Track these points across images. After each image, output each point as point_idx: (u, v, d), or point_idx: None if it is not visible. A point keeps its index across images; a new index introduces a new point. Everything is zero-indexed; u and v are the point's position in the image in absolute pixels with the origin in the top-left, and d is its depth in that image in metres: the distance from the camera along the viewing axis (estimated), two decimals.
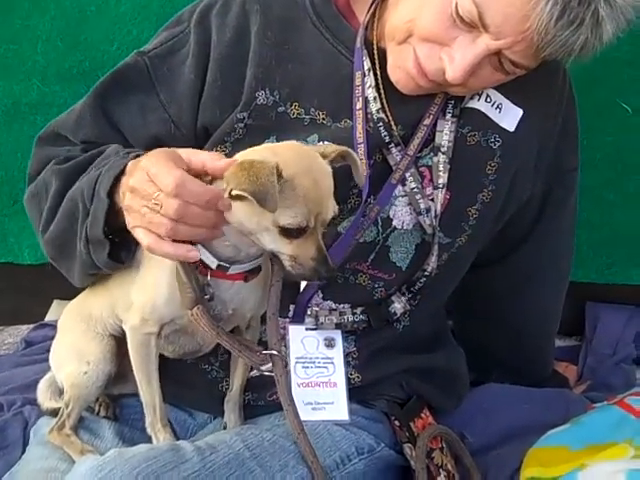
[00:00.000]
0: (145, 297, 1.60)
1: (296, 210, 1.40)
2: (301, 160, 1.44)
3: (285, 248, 1.43)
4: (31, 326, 2.77)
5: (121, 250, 1.62)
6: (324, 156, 1.48)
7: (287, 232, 1.41)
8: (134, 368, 1.64)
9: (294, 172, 1.40)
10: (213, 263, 1.52)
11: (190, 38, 1.80)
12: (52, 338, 2.54)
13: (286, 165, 1.40)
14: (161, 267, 1.57)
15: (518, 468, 1.77)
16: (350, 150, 1.51)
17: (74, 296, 2.52)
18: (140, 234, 1.46)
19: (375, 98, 1.69)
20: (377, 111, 1.69)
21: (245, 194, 1.37)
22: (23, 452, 1.96)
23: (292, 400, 1.58)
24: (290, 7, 1.77)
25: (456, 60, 1.58)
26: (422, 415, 1.83)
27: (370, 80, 1.70)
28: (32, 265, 2.65)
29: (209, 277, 1.54)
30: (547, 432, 1.80)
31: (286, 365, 1.59)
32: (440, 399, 1.91)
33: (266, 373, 1.57)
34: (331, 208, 1.44)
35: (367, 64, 1.70)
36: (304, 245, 1.42)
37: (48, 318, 2.73)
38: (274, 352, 1.56)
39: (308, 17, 1.75)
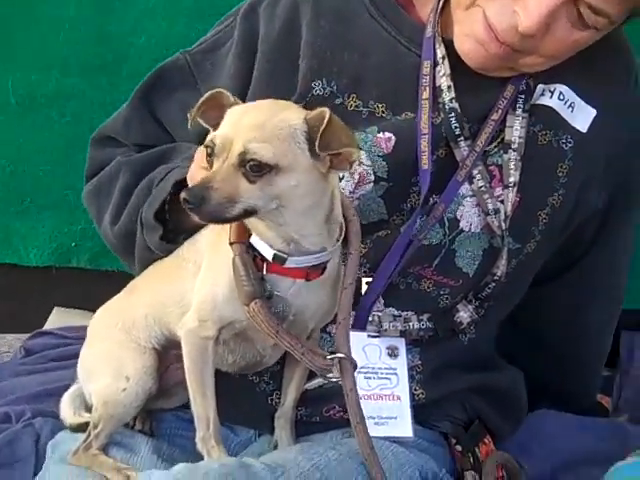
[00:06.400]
0: (204, 295, 1.48)
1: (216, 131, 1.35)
2: (260, 102, 1.41)
3: None
4: (22, 335, 2.59)
5: (178, 234, 1.62)
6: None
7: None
8: (187, 377, 1.50)
9: (242, 105, 1.39)
10: (269, 253, 1.40)
11: (235, 32, 1.76)
12: (53, 347, 2.41)
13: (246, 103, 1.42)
14: (222, 266, 1.46)
15: None
16: (325, 110, 1.32)
17: (78, 303, 2.36)
18: None
19: (449, 87, 1.62)
20: (450, 100, 1.62)
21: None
22: (35, 469, 1.79)
23: (362, 416, 1.45)
24: None
25: (530, 7, 1.49)
26: (485, 440, 1.73)
27: (444, 68, 1.63)
28: (37, 267, 2.49)
29: (265, 271, 1.42)
30: (615, 464, 1.69)
31: (355, 368, 1.46)
32: (499, 422, 1.80)
33: (333, 380, 1.45)
34: (241, 143, 1.30)
35: (441, 52, 1.63)
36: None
37: (47, 326, 2.55)
38: (343, 356, 1.44)
39: (365, 7, 1.70)
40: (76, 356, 2.32)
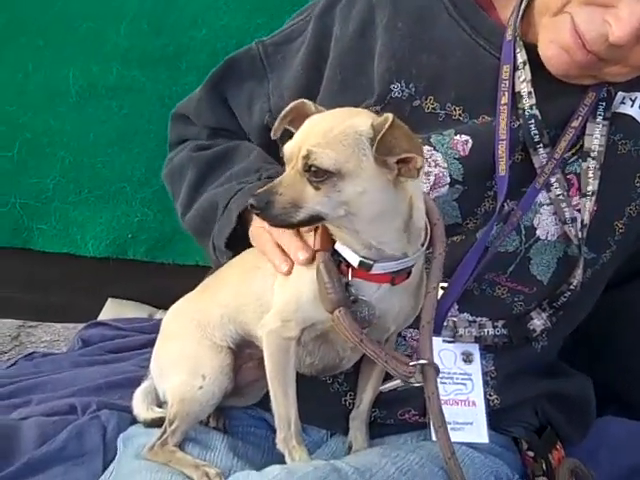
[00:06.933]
0: (288, 296, 1.48)
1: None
2: (335, 110, 1.41)
3: None
4: (70, 325, 2.69)
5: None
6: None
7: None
8: (269, 378, 1.50)
9: (319, 114, 1.39)
10: (355, 260, 1.40)
11: (308, 27, 1.76)
12: (109, 338, 2.43)
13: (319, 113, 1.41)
14: (304, 266, 1.46)
15: None
16: (389, 115, 1.32)
17: (132, 295, 2.36)
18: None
19: (530, 93, 1.60)
20: (531, 107, 1.60)
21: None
22: (105, 462, 1.81)
23: (444, 420, 1.46)
24: None
25: (623, 18, 1.47)
26: (557, 446, 1.72)
27: (525, 74, 1.61)
28: (94, 258, 2.50)
29: (350, 277, 1.42)
30: None
31: (438, 373, 1.46)
32: (568, 429, 1.79)
33: (415, 385, 1.45)
34: (305, 148, 1.32)
35: (522, 57, 1.61)
36: None
37: (101, 317, 2.57)
38: (426, 362, 1.44)
39: (444, 7, 1.68)
40: (132, 348, 2.36)
